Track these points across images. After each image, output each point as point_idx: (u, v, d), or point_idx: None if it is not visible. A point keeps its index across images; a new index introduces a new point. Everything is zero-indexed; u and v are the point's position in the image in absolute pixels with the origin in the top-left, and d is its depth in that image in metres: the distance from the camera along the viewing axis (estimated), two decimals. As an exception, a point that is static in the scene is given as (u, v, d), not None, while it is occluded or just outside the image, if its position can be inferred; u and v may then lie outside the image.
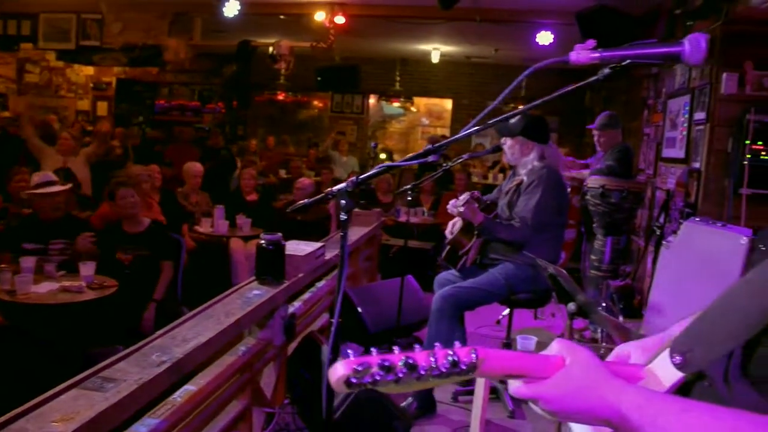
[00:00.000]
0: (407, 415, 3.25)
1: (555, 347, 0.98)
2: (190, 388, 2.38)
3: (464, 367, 0.85)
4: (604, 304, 5.09)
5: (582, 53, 1.08)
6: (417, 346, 0.84)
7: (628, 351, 1.20)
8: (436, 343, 0.87)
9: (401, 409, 3.02)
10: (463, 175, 8.02)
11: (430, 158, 1.23)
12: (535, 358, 0.95)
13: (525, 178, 3.76)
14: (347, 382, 0.81)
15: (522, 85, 8.60)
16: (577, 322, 5.11)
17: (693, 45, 1.06)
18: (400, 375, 0.82)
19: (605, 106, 9.63)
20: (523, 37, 7.82)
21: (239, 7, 7.27)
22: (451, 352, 0.85)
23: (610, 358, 1.21)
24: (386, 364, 0.81)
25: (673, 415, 0.86)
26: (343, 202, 1.43)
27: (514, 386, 0.96)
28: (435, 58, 10.65)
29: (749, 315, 0.92)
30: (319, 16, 7.75)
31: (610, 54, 1.07)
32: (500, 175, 9.97)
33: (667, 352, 1.05)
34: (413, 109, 12.93)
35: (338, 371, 0.81)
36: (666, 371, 1.04)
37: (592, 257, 5.28)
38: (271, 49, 9.39)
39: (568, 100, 11.02)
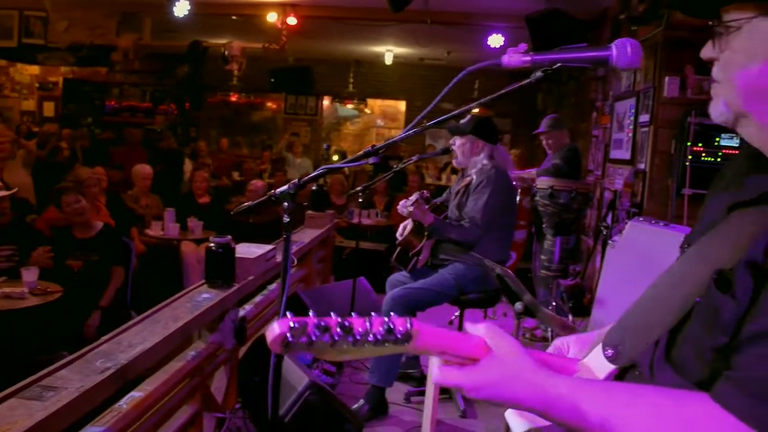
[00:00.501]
0: (358, 418, 3.25)
1: (482, 331, 1.00)
2: (136, 394, 2.34)
3: (399, 336, 0.86)
4: (554, 303, 5.18)
5: (514, 57, 1.10)
6: (354, 314, 0.85)
7: (567, 343, 1.25)
8: (373, 312, 0.88)
9: (352, 412, 3.02)
10: (417, 176, 8.06)
11: (370, 160, 1.24)
12: (461, 338, 0.96)
13: (474, 178, 3.80)
14: (284, 342, 0.80)
15: (474, 87, 8.76)
16: (528, 321, 5.21)
17: (620, 50, 1.10)
18: (336, 337, 0.82)
19: (556, 108, 9.81)
20: (474, 39, 7.90)
21: (189, 7, 7.17)
22: (387, 320, 0.85)
23: (549, 350, 1.25)
24: (322, 324, 0.81)
25: (596, 399, 0.90)
26: (285, 204, 1.43)
27: (437, 375, 0.97)
28: (388, 60, 10.68)
29: (671, 305, 0.99)
30: (271, 17, 7.70)
31: (541, 57, 1.10)
32: (453, 177, 10.06)
33: (600, 347, 1.11)
34: (367, 110, 12.96)
35: (275, 330, 0.81)
36: (599, 364, 1.10)
37: (542, 257, 5.37)
38: (222, 49, 9.30)
39: (520, 103, 11.23)
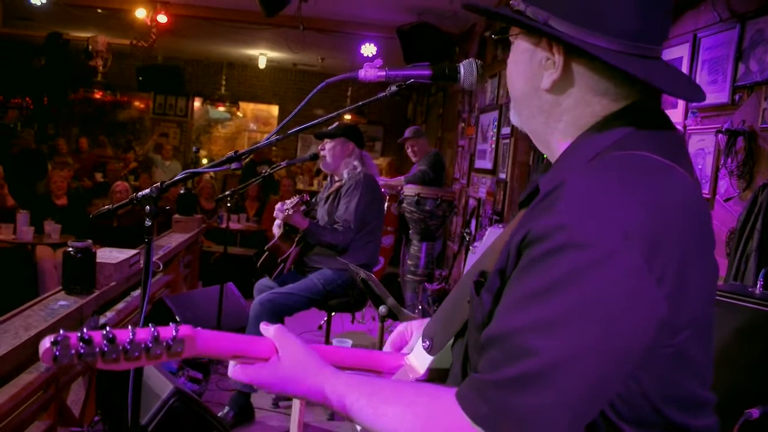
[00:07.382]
0: (225, 425, 3.22)
1: (272, 332, 1.07)
2: (-24, 412, 2.19)
3: (171, 342, 0.90)
4: (420, 307, 5.35)
5: (370, 71, 1.17)
6: (130, 327, 0.88)
7: (411, 328, 1.33)
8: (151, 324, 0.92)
9: (219, 419, 2.98)
10: (289, 181, 8.05)
11: (233, 165, 1.26)
12: (250, 341, 1.04)
13: (344, 182, 3.88)
14: (53, 357, 0.83)
15: (347, 94, 8.86)
16: (398, 324, 5.35)
17: (467, 69, 1.20)
18: (105, 348, 0.86)
19: (426, 118, 10.15)
20: (348, 47, 8.02)
21: (49, -5, 6.78)
22: (152, 329, 0.90)
23: (392, 336, 1.34)
24: (86, 337, 0.85)
25: (362, 398, 0.97)
26: (148, 208, 1.41)
27: (233, 370, 1.04)
28: (262, 64, 10.61)
29: (464, 300, 1.08)
30: (140, 13, 7.43)
31: (394, 73, 1.18)
32: (325, 182, 10.14)
33: (420, 340, 1.20)
34: (239, 113, 12.74)
35: (43, 345, 0.84)
36: (421, 356, 1.19)
37: (409, 262, 5.54)
38: (86, 44, 8.85)
39: (391, 112, 11.51)
